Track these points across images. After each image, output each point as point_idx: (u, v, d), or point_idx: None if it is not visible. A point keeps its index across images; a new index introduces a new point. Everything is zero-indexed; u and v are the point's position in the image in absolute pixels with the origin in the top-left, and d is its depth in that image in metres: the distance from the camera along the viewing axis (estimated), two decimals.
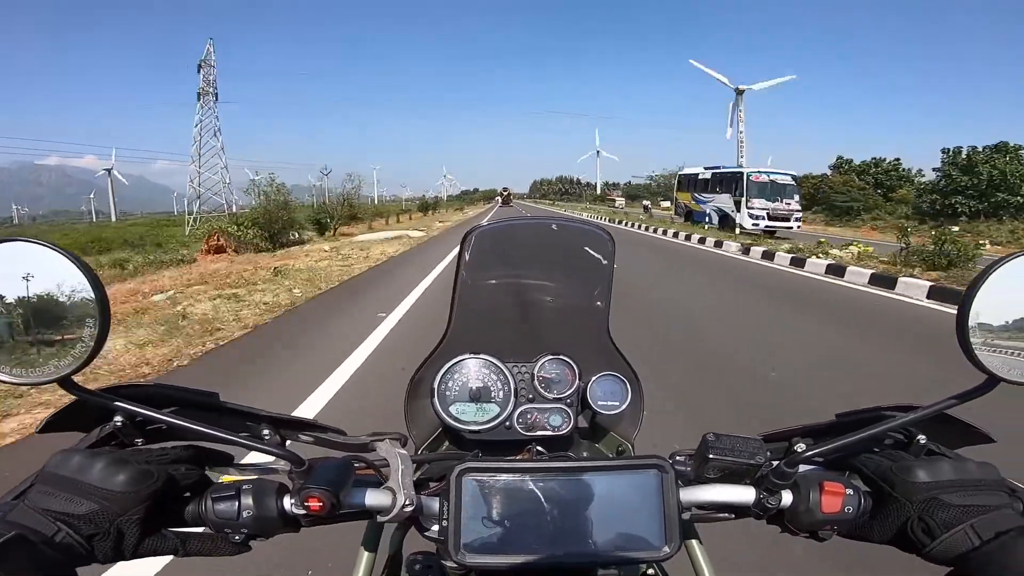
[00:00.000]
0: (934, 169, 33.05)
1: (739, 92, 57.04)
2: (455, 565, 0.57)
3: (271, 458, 0.56)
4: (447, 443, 0.83)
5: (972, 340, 0.46)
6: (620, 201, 73.41)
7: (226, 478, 0.58)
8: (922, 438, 0.58)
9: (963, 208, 28.15)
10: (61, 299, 0.44)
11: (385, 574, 0.74)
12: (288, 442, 0.62)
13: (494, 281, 0.80)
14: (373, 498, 0.54)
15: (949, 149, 30.40)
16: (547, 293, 0.81)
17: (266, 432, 0.59)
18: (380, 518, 0.55)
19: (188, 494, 0.54)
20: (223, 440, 0.53)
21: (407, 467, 0.56)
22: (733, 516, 0.62)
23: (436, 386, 0.77)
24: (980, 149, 30.28)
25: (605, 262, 0.79)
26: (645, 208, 43.93)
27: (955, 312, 0.47)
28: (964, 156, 29.10)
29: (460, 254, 0.77)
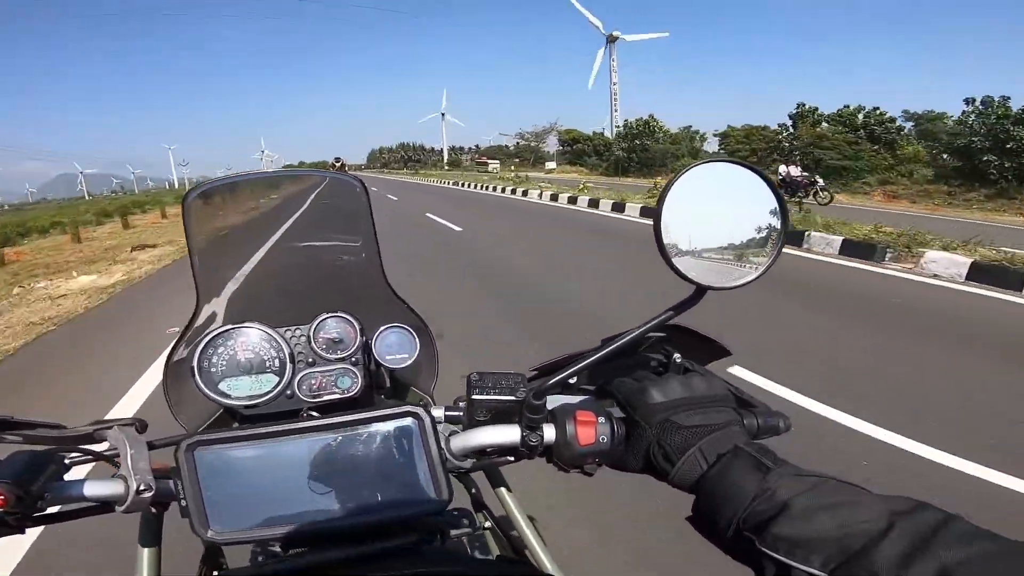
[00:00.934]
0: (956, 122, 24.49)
1: (611, 40, 56.66)
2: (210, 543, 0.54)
3: None
4: (237, 422, 0.76)
5: (670, 251, 0.47)
6: (494, 165, 65.77)
7: None
8: (677, 357, 0.58)
9: (993, 170, 20.31)
10: None
11: (203, 567, 0.70)
12: None
13: (246, 244, 0.73)
14: (98, 488, 0.51)
15: (973, 99, 21.92)
16: (311, 251, 0.76)
17: None
18: (117, 508, 0.51)
19: None
20: None
21: (139, 451, 0.52)
22: (513, 459, 0.59)
23: (197, 363, 0.69)
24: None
25: (362, 209, 0.75)
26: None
27: None
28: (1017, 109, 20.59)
29: (184, 222, 0.70)
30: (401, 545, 0.54)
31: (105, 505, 0.52)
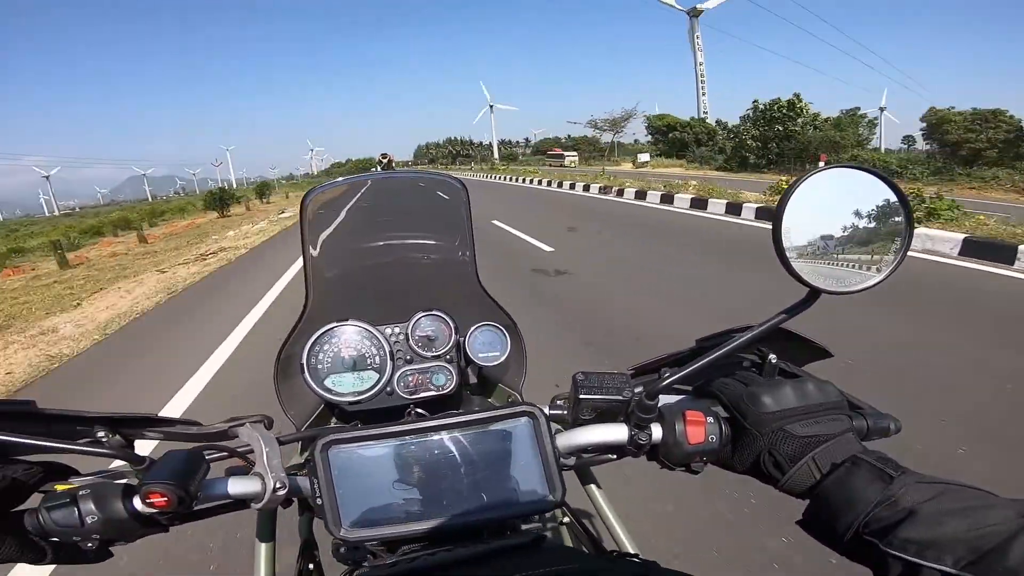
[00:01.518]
0: None
1: (694, 14, 48.04)
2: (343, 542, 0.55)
3: (118, 462, 0.52)
4: (333, 419, 0.80)
5: (788, 254, 0.47)
6: (571, 158, 55.48)
7: (60, 486, 0.53)
8: (773, 358, 0.58)
9: None
10: None
11: (301, 561, 0.72)
12: (137, 442, 0.58)
13: (349, 244, 0.76)
14: (239, 486, 0.52)
15: None
16: (411, 251, 0.78)
17: (101, 434, 0.55)
18: (254, 505, 0.53)
19: (26, 510, 0.50)
20: (47, 449, 0.49)
21: (273, 449, 0.54)
22: (615, 457, 0.60)
23: (306, 360, 0.73)
24: None
25: (461, 210, 0.77)
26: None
27: None
28: None
29: (301, 221, 0.73)
30: (522, 542, 0.55)
31: (238, 503, 0.54)
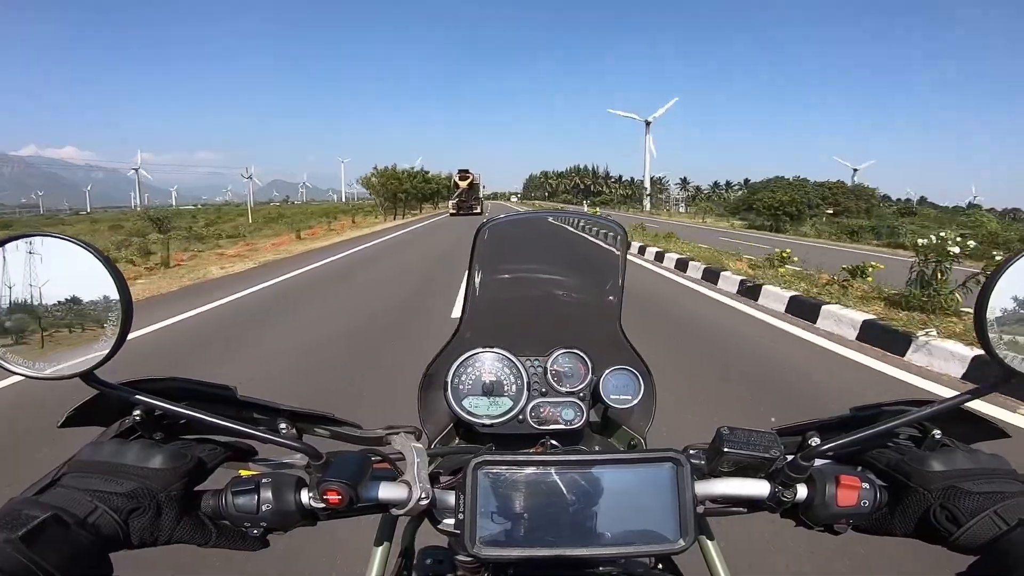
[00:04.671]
0: None
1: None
2: (467, 559, 0.57)
3: (289, 452, 0.56)
4: (459, 437, 0.83)
5: (990, 334, 0.46)
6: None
7: (244, 472, 0.58)
8: (937, 433, 0.58)
9: None
10: (84, 294, 0.44)
11: (398, 567, 0.74)
12: (304, 436, 0.62)
13: (506, 276, 0.80)
14: (389, 491, 0.55)
15: None
16: (559, 287, 0.81)
17: (283, 426, 0.59)
18: (395, 511, 0.56)
19: (207, 491, 0.54)
20: (241, 434, 0.53)
21: (423, 460, 0.57)
22: (746, 510, 0.61)
23: (450, 380, 0.77)
24: None
25: (617, 254, 0.79)
26: None
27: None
28: None
29: (472, 249, 0.78)
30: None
31: (381, 506, 0.56)
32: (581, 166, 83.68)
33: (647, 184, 65.07)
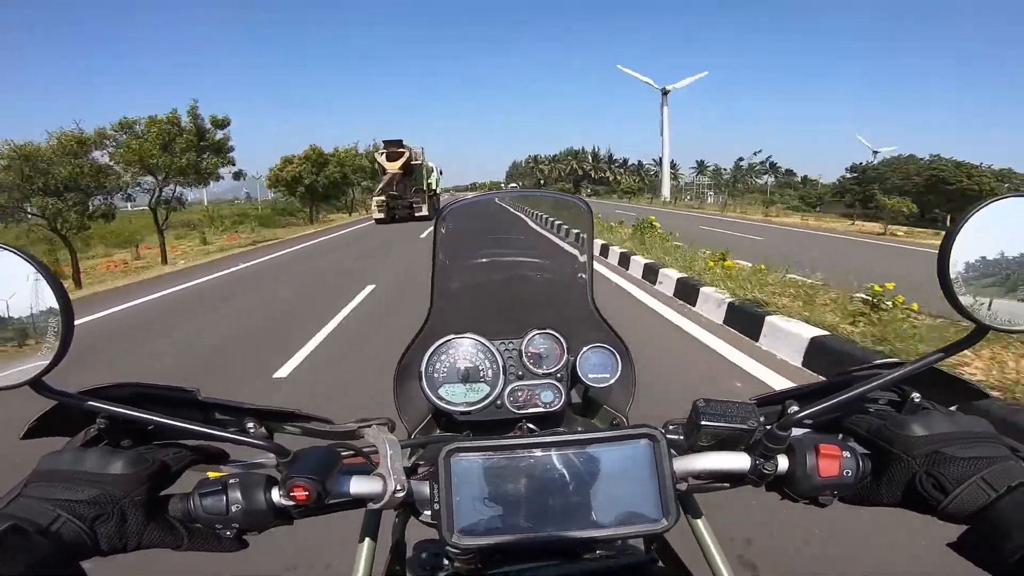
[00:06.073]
0: None
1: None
2: (457, 549, 0.57)
3: (259, 453, 0.55)
4: (439, 427, 0.83)
5: (955, 288, 0.45)
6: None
7: (213, 474, 0.58)
8: (916, 396, 0.57)
9: None
10: (21, 302, 0.43)
11: (389, 563, 0.74)
12: (276, 434, 0.61)
13: (472, 260, 0.79)
14: (362, 485, 0.54)
15: None
16: (528, 268, 0.80)
17: (251, 425, 0.59)
18: (372, 505, 0.55)
19: (174, 494, 0.54)
20: (208, 436, 0.53)
21: (396, 452, 0.56)
22: (729, 485, 0.60)
23: (424, 369, 0.76)
24: None
25: (583, 233, 0.78)
26: None
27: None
28: None
29: (435, 233, 0.77)
30: (635, 562, 0.55)
31: (356, 501, 0.55)
32: (576, 148, 71.94)
33: (665, 167, 55.02)
